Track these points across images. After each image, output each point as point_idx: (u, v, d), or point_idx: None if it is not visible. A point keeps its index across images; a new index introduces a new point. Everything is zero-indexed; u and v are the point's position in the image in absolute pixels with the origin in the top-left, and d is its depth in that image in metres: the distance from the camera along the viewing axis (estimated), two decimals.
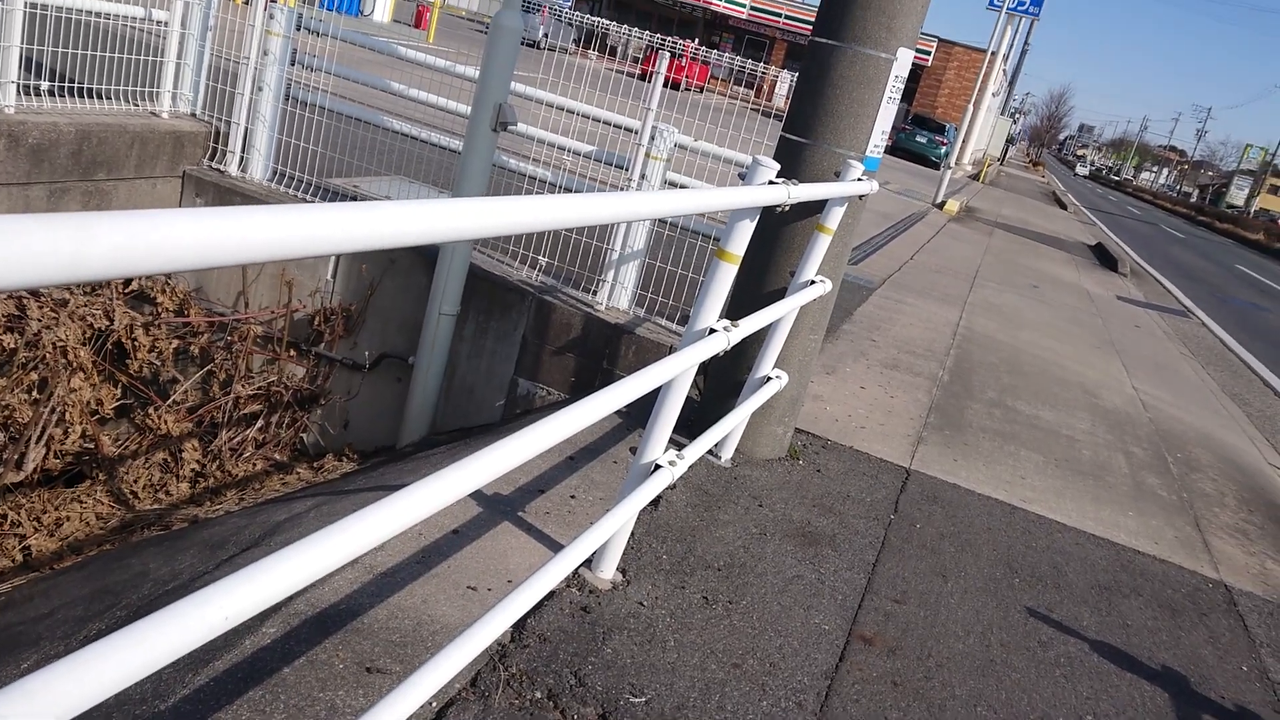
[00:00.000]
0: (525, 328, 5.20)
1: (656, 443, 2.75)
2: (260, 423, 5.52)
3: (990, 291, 10.16)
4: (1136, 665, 3.29)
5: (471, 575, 2.79)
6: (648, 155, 5.04)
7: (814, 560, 3.41)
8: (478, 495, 3.24)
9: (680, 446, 2.89)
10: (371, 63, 7.17)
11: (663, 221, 5.40)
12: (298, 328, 5.62)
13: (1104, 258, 17.49)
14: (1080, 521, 4.40)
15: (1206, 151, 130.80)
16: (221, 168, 5.93)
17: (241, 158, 5.92)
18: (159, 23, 5.88)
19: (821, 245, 3.70)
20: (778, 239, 3.87)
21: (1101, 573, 3.94)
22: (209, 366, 5.53)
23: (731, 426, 3.58)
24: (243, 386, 5.46)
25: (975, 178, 33.80)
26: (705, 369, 4.18)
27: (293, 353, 5.62)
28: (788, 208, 2.88)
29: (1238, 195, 75.91)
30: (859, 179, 3.63)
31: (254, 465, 5.41)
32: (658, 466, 2.72)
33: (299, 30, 5.84)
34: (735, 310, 3.58)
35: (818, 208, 3.69)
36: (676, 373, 2.39)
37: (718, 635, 2.81)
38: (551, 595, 2.76)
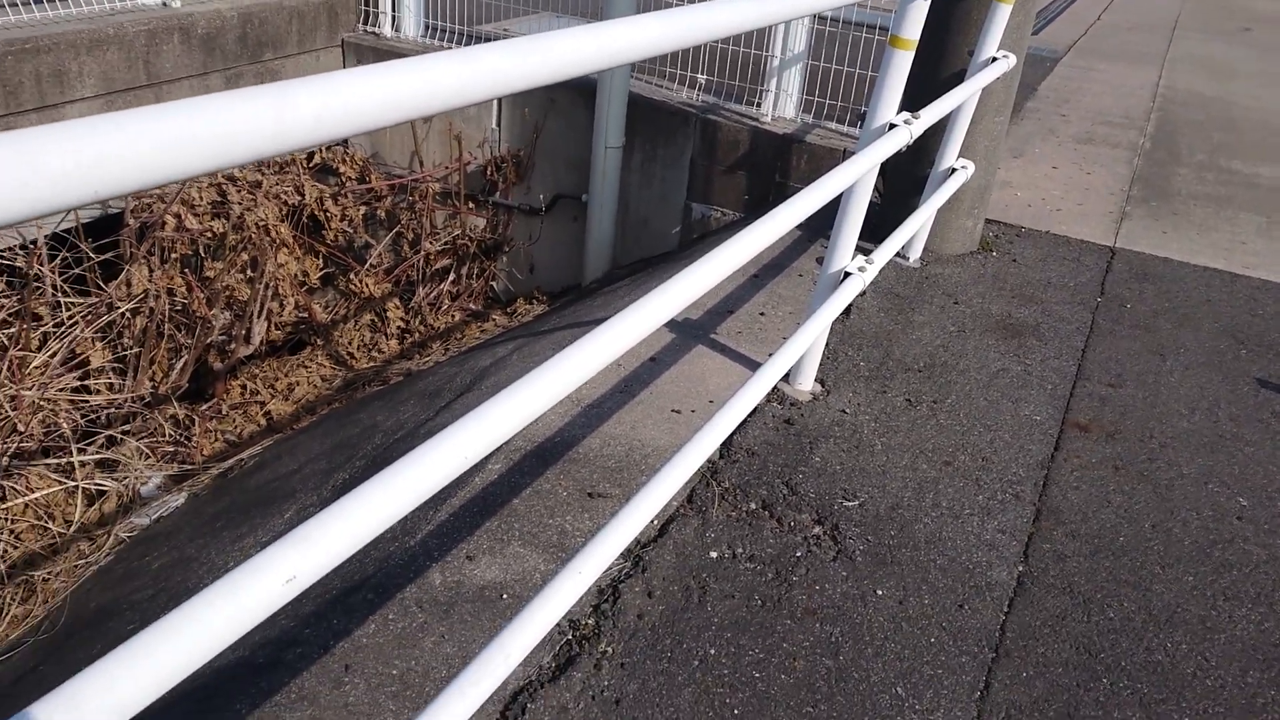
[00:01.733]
0: (692, 151, 5.12)
1: (843, 251, 2.68)
2: (452, 276, 5.75)
3: (1193, 43, 9.18)
4: None
5: (674, 399, 2.86)
6: None
7: (1018, 352, 3.31)
8: (669, 322, 3.29)
9: (867, 252, 2.82)
10: None
11: (822, 18, 5.10)
12: (472, 180, 5.73)
13: None
14: None
15: None
16: (376, 30, 5.99)
17: (393, 17, 5.95)
18: None
19: (1001, 16, 3.41)
20: (952, 16, 3.60)
21: None
22: (396, 228, 5.75)
23: (918, 225, 3.45)
24: (430, 243, 5.67)
25: None
26: (883, 169, 4.01)
27: (471, 205, 5.76)
28: None
29: None
30: None
31: (452, 317, 5.67)
32: (847, 274, 2.67)
33: None
34: (912, 103, 3.38)
35: None
36: (858, 176, 2.30)
37: (925, 435, 2.79)
38: (754, 412, 2.80)
